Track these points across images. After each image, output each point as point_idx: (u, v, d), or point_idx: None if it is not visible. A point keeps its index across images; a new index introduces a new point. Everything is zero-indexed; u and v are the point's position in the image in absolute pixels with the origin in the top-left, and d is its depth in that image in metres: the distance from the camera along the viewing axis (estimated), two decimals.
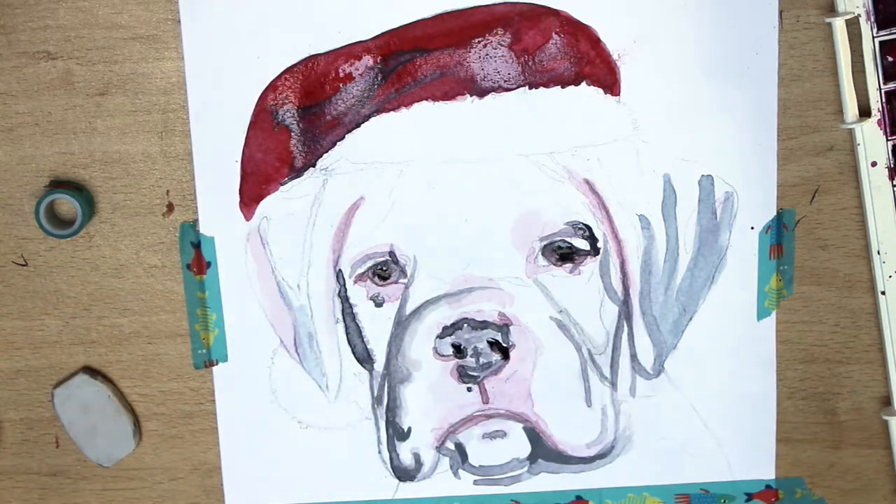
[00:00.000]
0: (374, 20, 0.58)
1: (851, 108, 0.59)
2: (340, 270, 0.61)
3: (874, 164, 0.59)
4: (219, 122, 0.59)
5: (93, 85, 0.59)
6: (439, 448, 0.63)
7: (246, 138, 0.59)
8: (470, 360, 0.61)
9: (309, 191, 0.60)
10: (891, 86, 0.58)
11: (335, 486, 0.64)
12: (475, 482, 0.64)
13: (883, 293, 0.61)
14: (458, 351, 0.61)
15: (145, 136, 0.59)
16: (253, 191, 0.60)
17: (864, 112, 0.59)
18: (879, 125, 0.59)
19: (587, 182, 0.60)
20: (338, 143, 0.59)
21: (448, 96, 0.59)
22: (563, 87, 0.59)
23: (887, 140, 0.59)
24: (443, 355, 0.61)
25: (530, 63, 0.59)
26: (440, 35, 0.58)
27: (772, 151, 0.60)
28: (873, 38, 0.58)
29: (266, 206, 0.60)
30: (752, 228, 0.61)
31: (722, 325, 0.62)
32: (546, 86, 0.59)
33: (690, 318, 0.62)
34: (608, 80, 0.59)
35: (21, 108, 0.59)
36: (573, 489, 0.64)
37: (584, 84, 0.59)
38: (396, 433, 0.63)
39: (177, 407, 0.62)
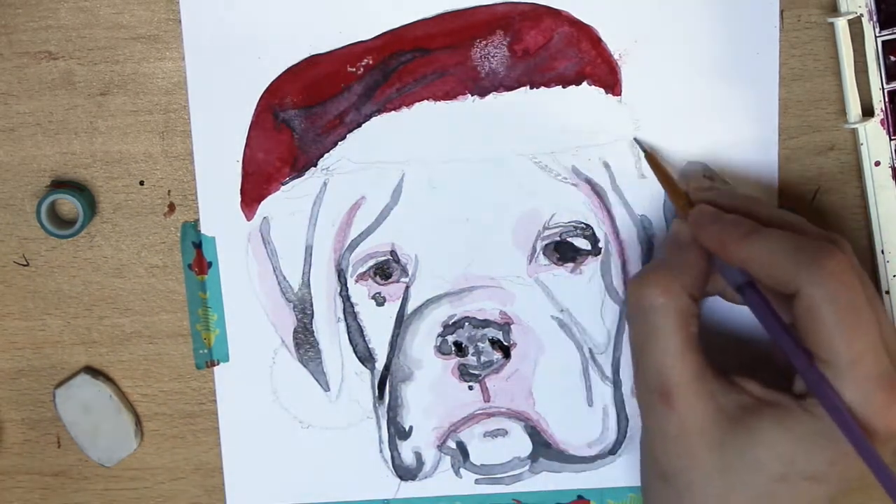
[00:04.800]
0: (374, 20, 0.58)
1: (854, 108, 0.59)
2: (342, 270, 0.61)
3: (877, 163, 0.59)
4: (220, 122, 0.59)
5: (94, 85, 0.59)
6: (441, 447, 0.63)
7: (247, 138, 0.59)
8: (471, 359, 0.61)
9: (310, 190, 0.60)
10: (894, 85, 0.58)
11: (336, 486, 0.64)
12: (476, 481, 0.64)
13: (887, 293, 0.61)
14: (460, 349, 0.61)
15: (147, 136, 0.59)
16: (254, 191, 0.60)
17: (867, 112, 0.59)
18: (882, 125, 0.59)
19: (588, 182, 0.60)
20: (339, 143, 0.59)
21: (449, 96, 0.59)
22: (564, 87, 0.59)
23: (890, 140, 0.59)
24: (444, 353, 0.61)
25: (531, 63, 0.59)
26: (441, 35, 0.58)
27: (773, 151, 0.60)
28: (876, 37, 0.58)
29: (267, 205, 0.60)
30: None
31: (723, 324, 0.62)
32: (547, 85, 0.59)
33: None
34: (609, 79, 0.59)
35: (22, 109, 0.59)
36: (574, 489, 0.64)
37: (585, 84, 0.59)
38: (398, 432, 0.63)
39: (178, 407, 0.63)
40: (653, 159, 0.59)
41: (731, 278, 0.54)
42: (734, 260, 0.53)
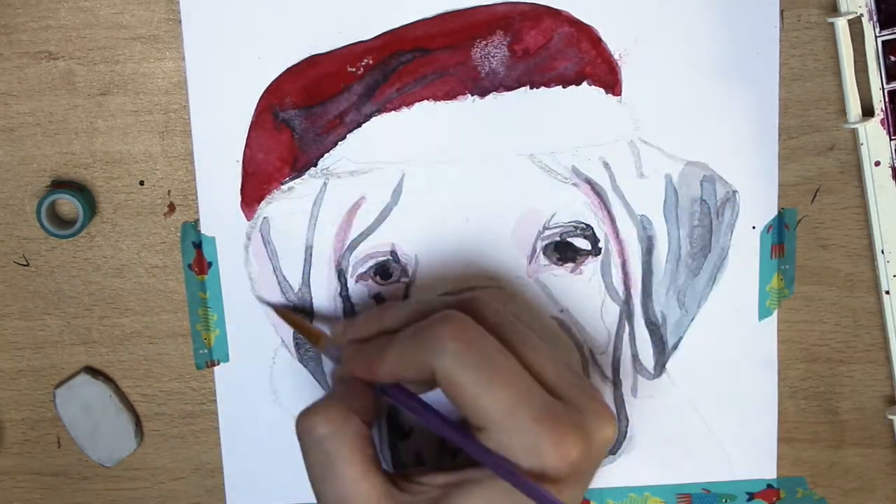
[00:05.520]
0: (374, 20, 0.58)
1: (854, 107, 0.59)
2: (342, 270, 0.61)
3: (878, 163, 0.59)
4: (220, 122, 0.59)
5: (94, 85, 0.59)
6: (441, 447, 0.63)
7: (247, 138, 0.59)
8: None
9: (310, 190, 0.60)
10: (894, 85, 0.58)
11: None
12: None
13: (887, 293, 0.61)
14: None
15: (147, 136, 0.59)
16: (254, 191, 0.60)
17: (867, 112, 0.59)
18: (882, 125, 0.59)
19: (588, 182, 0.60)
20: (339, 143, 0.59)
21: (449, 96, 0.59)
22: (564, 87, 0.59)
23: (890, 139, 0.59)
24: None
25: (531, 63, 0.58)
26: (441, 35, 0.58)
27: (773, 151, 0.60)
28: (876, 37, 0.58)
29: (267, 205, 0.60)
30: (754, 228, 0.61)
31: (723, 325, 0.62)
32: (547, 85, 0.59)
33: (692, 319, 0.62)
34: (609, 79, 0.59)
35: (22, 109, 0.59)
36: None
37: (585, 84, 0.59)
38: (397, 432, 0.63)
39: (178, 407, 0.63)
40: (284, 314, 0.60)
41: (382, 394, 0.54)
42: (385, 380, 0.53)
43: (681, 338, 0.62)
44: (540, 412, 0.49)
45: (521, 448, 0.49)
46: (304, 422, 0.53)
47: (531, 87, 0.59)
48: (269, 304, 0.61)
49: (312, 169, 0.60)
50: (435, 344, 0.50)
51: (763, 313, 0.62)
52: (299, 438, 0.53)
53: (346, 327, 0.58)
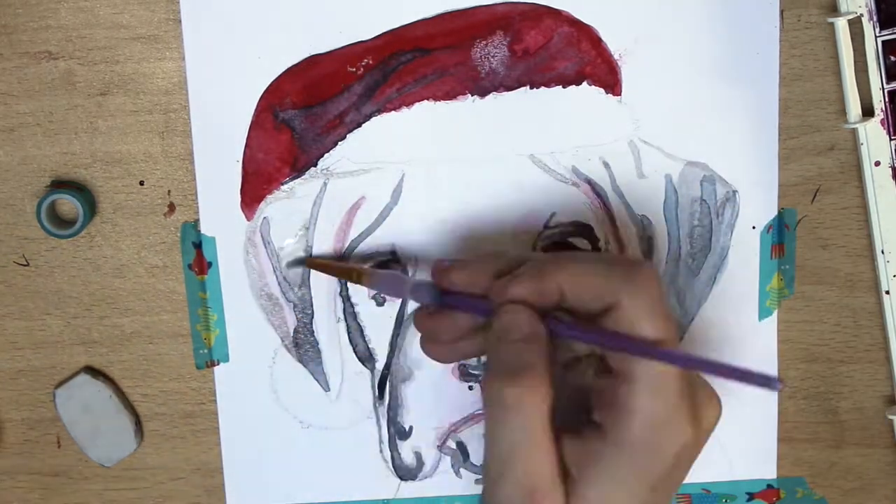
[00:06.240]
0: (374, 20, 0.58)
1: (854, 107, 0.59)
2: None
3: (878, 163, 0.59)
4: (220, 122, 0.59)
5: (94, 85, 0.59)
6: (441, 447, 0.63)
7: (247, 138, 0.59)
8: (472, 359, 0.61)
9: (310, 191, 0.60)
10: (894, 85, 0.58)
11: (336, 486, 0.64)
12: (476, 481, 0.64)
13: (887, 293, 0.61)
14: None
15: (147, 136, 0.59)
16: (254, 191, 0.60)
17: (867, 112, 0.59)
18: (882, 125, 0.59)
19: (588, 182, 0.60)
20: (339, 143, 0.59)
21: (449, 96, 0.59)
22: (564, 87, 0.59)
23: (890, 139, 0.59)
24: None
25: (531, 63, 0.58)
26: (441, 35, 0.58)
27: (773, 151, 0.60)
28: (876, 37, 0.58)
29: (267, 205, 0.60)
30: (754, 228, 0.61)
31: (723, 325, 0.62)
32: (547, 85, 0.59)
33: (692, 319, 0.62)
34: (609, 79, 0.59)
35: (22, 109, 0.59)
36: None
37: (585, 84, 0.59)
38: (398, 432, 0.63)
39: (178, 407, 0.63)
40: (314, 264, 0.60)
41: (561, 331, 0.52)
42: (551, 294, 0.50)
43: (681, 338, 0.62)
44: (682, 388, 0.50)
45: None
46: (511, 396, 0.49)
47: (531, 87, 0.59)
48: (297, 262, 0.60)
49: (312, 169, 0.60)
50: (635, 282, 0.49)
51: (763, 313, 0.62)
52: (493, 405, 0.49)
53: (451, 269, 0.54)
